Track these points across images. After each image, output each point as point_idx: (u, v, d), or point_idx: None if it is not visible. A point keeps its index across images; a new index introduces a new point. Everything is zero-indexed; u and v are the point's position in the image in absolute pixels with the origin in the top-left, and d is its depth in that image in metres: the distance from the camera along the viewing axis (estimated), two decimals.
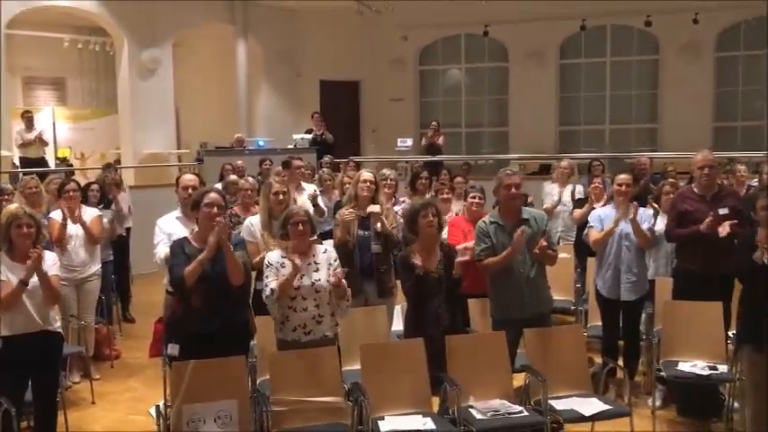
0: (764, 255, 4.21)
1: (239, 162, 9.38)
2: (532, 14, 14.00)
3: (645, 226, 5.35)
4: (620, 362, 5.37)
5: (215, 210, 4.13)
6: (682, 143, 12.23)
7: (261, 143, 11.65)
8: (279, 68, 14.71)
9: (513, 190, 4.71)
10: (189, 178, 5.26)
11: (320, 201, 7.09)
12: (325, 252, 4.41)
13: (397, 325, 5.26)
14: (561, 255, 6.80)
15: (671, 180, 6.77)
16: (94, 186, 7.18)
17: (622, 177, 5.49)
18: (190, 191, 4.87)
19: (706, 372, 4.73)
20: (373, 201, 5.30)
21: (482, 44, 15.44)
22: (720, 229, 4.86)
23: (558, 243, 7.85)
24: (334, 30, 14.76)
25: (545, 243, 4.55)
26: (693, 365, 4.82)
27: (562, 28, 14.70)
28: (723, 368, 4.78)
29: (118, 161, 12.81)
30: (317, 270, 4.29)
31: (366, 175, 5.32)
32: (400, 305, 5.25)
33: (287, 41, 14.66)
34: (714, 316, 4.93)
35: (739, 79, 14.18)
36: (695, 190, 5.30)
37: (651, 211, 5.63)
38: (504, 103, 15.62)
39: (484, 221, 4.83)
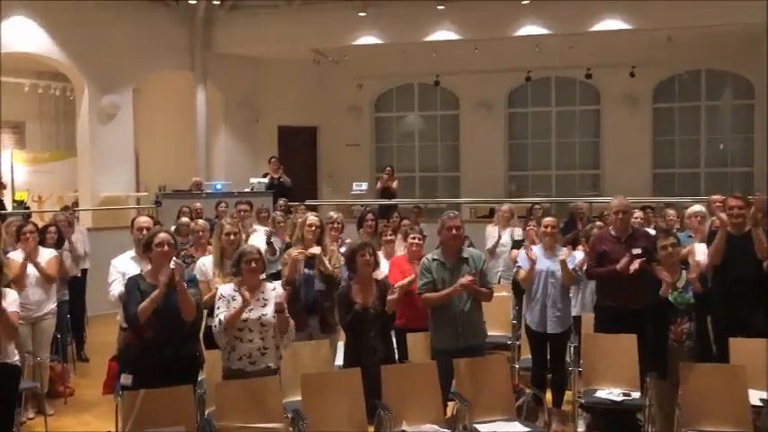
0: (667, 289, 4.72)
1: (197, 204, 9.71)
2: (480, 66, 14.75)
3: (571, 266, 5.82)
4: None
5: (165, 248, 4.48)
6: (623, 188, 12.80)
7: (218, 186, 11.95)
8: (238, 114, 15.12)
9: (454, 231, 5.17)
10: (143, 220, 5.61)
11: (274, 241, 7.50)
12: (274, 290, 4.77)
13: (340, 359, 5.60)
14: (501, 293, 7.32)
15: (598, 223, 7.32)
16: (52, 228, 7.42)
17: (548, 220, 5.99)
18: (144, 232, 5.20)
19: (620, 398, 5.18)
20: (318, 243, 5.71)
21: (434, 93, 16.12)
22: (630, 267, 5.35)
23: (499, 282, 8.35)
24: (293, 78, 15.31)
25: (470, 278, 4.95)
26: (610, 393, 5.26)
27: (509, 79, 15.47)
28: (636, 395, 5.22)
29: (76, 203, 13.00)
30: (265, 305, 4.64)
31: (311, 219, 5.75)
32: (343, 341, 5.61)
33: (246, 88, 15.13)
34: (629, 347, 5.38)
35: (675, 129, 15.08)
36: (612, 232, 5.81)
37: (580, 253, 6.09)
38: (456, 148, 16.26)
39: (427, 258, 5.28)
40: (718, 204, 6.85)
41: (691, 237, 6.77)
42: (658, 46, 13.33)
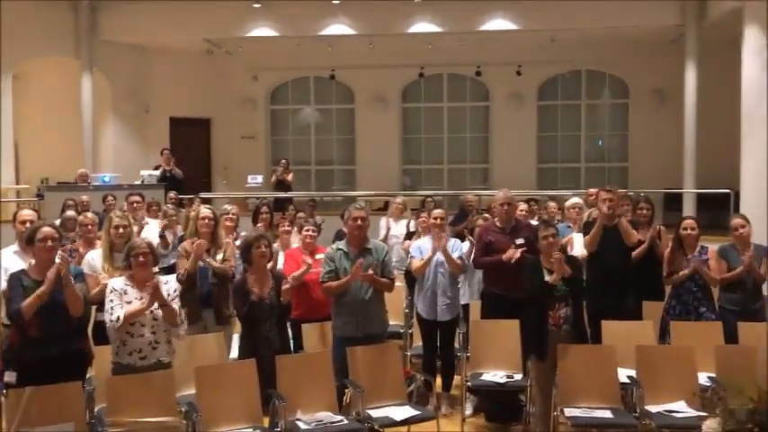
0: (558, 278, 5.05)
1: (84, 198, 9.38)
2: (375, 61, 14.99)
3: (455, 255, 6.07)
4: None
5: (49, 243, 4.37)
6: (511, 182, 13.48)
7: (106, 179, 11.56)
8: (127, 104, 14.65)
9: (359, 222, 5.30)
10: (26, 213, 5.41)
11: (167, 234, 7.39)
12: (167, 284, 4.73)
13: (236, 352, 5.62)
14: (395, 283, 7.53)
15: (485, 215, 7.65)
16: None
17: (437, 212, 6.23)
18: (27, 225, 5.03)
19: (504, 380, 5.49)
20: (213, 236, 5.70)
21: (330, 86, 16.22)
22: (513, 256, 5.67)
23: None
24: (185, 68, 14.98)
25: (371, 272, 5.12)
26: (494, 375, 5.57)
27: (403, 75, 15.81)
28: (519, 377, 5.55)
29: None
30: None
31: (204, 212, 5.73)
32: (238, 333, 5.63)
33: (135, 77, 14.68)
34: (512, 332, 5.69)
35: (558, 125, 15.89)
36: (497, 224, 6.12)
37: (462, 243, 6.36)
38: (351, 142, 16.44)
39: (332, 248, 5.40)
40: (593, 197, 7.34)
41: (570, 227, 7.23)
42: (542, 47, 14.02)
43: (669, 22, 12.78)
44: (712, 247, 5.98)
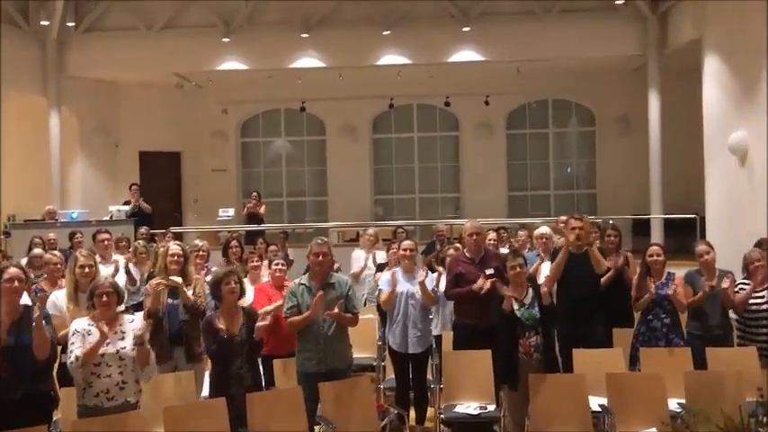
0: (512, 304, 5.09)
1: (51, 235, 9.26)
2: (345, 93, 15.10)
3: (430, 286, 6.09)
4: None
5: (15, 284, 4.30)
6: (482, 210, 13.67)
7: (74, 215, 11.43)
8: (96, 139, 14.52)
9: (321, 258, 5.28)
10: None
11: (133, 270, 7.31)
12: (132, 322, 4.68)
13: (207, 390, 5.55)
14: (367, 315, 7.51)
15: (456, 245, 7.69)
16: None
17: (406, 244, 6.26)
18: None
19: (477, 411, 5.48)
20: (182, 272, 5.65)
21: (301, 118, 16.28)
22: (482, 286, 5.69)
23: (365, 304, 8.54)
24: (155, 102, 14.93)
25: (336, 310, 5.10)
26: (468, 407, 5.56)
27: (373, 106, 15.95)
28: (492, 407, 5.55)
29: None
30: (123, 338, 4.54)
31: (173, 248, 5.68)
32: (209, 370, 5.56)
33: (104, 113, 14.58)
34: (484, 363, 5.70)
35: (527, 154, 16.11)
36: (466, 254, 6.16)
37: (433, 273, 6.39)
38: (323, 173, 16.47)
39: (294, 283, 5.37)
40: (563, 225, 7.42)
41: (539, 256, 7.30)
42: (509, 77, 14.25)
43: (631, 51, 13.10)
44: (679, 273, 6.07)
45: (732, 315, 5.97)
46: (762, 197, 8.85)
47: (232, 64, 13.66)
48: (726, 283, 5.71)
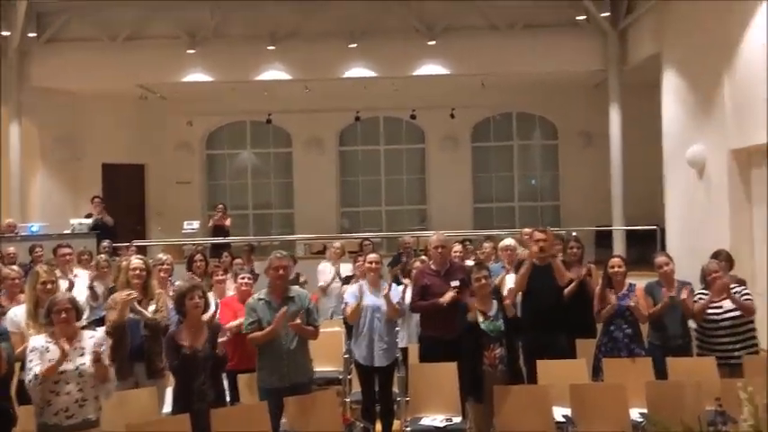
0: (477, 316, 5.12)
1: (11, 249, 9.06)
2: (312, 105, 15.10)
3: (395, 299, 6.10)
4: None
5: None
6: (448, 222, 13.74)
7: (34, 229, 11.21)
8: (57, 151, 14.25)
9: (281, 272, 5.26)
10: None
11: (96, 286, 7.19)
12: (92, 338, 4.60)
13: (169, 406, 5.46)
14: (334, 328, 7.50)
15: (422, 257, 7.73)
16: None
17: (372, 257, 6.27)
18: None
19: (443, 424, 5.49)
20: (144, 287, 5.58)
21: (267, 130, 16.23)
22: (445, 299, 5.73)
23: (332, 317, 8.52)
24: (118, 114, 14.73)
25: (299, 321, 5.09)
26: (434, 420, 5.56)
27: (339, 118, 15.98)
28: (458, 419, 5.56)
29: None
30: (83, 354, 4.46)
31: (135, 262, 5.61)
32: (172, 386, 5.48)
33: (66, 124, 14.33)
34: (450, 375, 5.71)
35: (491, 166, 16.27)
36: (432, 266, 6.19)
37: (399, 286, 6.41)
38: (289, 185, 16.42)
39: (254, 298, 5.33)
40: (527, 237, 7.51)
41: (504, 267, 7.36)
42: (474, 90, 14.39)
43: (593, 67, 13.33)
44: (640, 284, 6.18)
45: (692, 324, 6.09)
46: (719, 209, 9.06)
47: (197, 76, 13.57)
48: (684, 294, 5.83)
